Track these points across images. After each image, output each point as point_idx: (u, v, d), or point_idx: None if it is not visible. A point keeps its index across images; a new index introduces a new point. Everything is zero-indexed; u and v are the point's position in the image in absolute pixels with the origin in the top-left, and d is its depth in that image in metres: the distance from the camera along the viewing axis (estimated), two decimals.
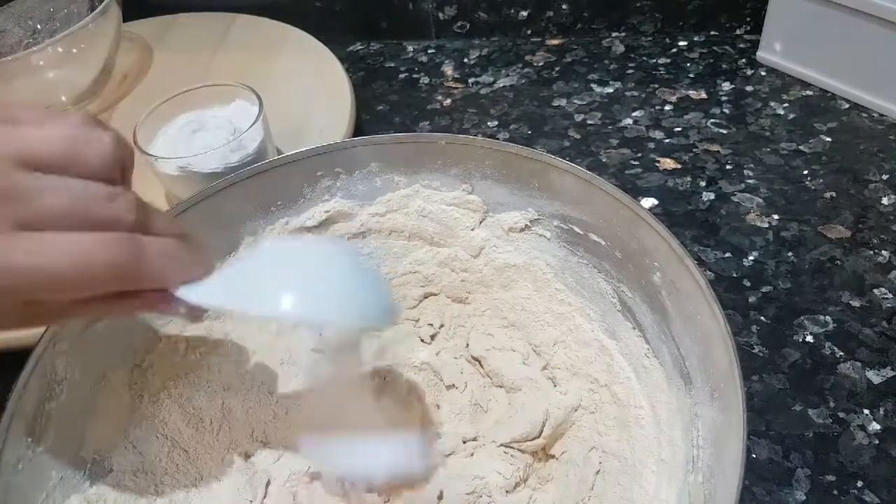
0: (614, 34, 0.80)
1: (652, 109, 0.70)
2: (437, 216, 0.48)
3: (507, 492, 0.40)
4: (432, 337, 0.49)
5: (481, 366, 0.47)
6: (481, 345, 0.47)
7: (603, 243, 0.43)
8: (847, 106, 0.67)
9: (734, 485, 0.29)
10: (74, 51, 0.67)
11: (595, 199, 0.42)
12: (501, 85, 0.76)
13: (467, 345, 0.48)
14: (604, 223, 0.42)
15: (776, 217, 0.57)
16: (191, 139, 0.56)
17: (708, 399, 0.36)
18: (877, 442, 0.43)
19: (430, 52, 0.82)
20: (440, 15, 0.81)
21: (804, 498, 0.41)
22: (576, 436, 0.42)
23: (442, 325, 0.49)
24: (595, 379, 0.43)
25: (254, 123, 0.54)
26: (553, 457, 0.42)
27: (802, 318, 0.50)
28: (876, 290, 0.51)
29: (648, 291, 0.41)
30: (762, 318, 0.50)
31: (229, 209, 0.45)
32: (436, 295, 0.50)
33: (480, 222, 0.48)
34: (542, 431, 0.42)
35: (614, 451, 0.40)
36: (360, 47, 0.84)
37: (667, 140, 0.66)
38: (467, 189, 0.47)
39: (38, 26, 0.74)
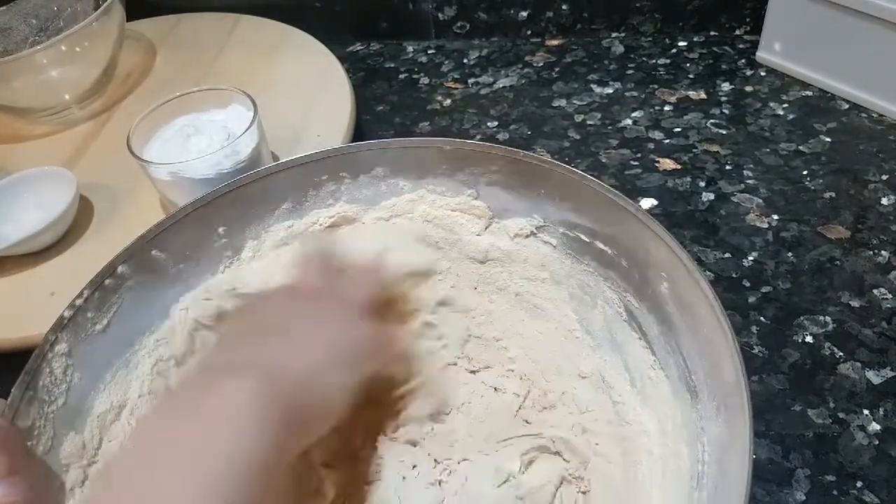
0: (614, 34, 0.80)
1: (651, 110, 0.70)
2: (441, 221, 0.47)
3: None
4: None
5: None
6: (481, 354, 0.47)
7: (609, 252, 0.42)
8: (847, 106, 0.67)
9: (740, 500, 0.29)
10: (78, 49, 0.67)
11: (603, 208, 0.41)
12: (501, 85, 0.76)
13: (468, 356, 0.48)
14: (610, 231, 0.42)
15: (776, 217, 0.58)
16: (186, 143, 0.55)
17: (714, 413, 0.34)
18: (876, 442, 0.44)
19: (430, 52, 0.82)
20: (440, 15, 0.82)
21: (804, 498, 0.42)
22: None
23: (444, 331, 0.49)
24: (599, 390, 0.43)
25: (247, 129, 0.54)
26: None
27: (802, 318, 0.51)
28: (875, 291, 0.52)
29: (655, 302, 0.40)
30: (762, 318, 0.51)
31: (232, 213, 0.45)
32: (439, 300, 0.50)
33: (486, 228, 0.47)
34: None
35: (618, 465, 0.40)
36: (360, 47, 0.85)
37: (666, 140, 0.66)
38: (472, 194, 0.46)
39: (43, 25, 0.74)
